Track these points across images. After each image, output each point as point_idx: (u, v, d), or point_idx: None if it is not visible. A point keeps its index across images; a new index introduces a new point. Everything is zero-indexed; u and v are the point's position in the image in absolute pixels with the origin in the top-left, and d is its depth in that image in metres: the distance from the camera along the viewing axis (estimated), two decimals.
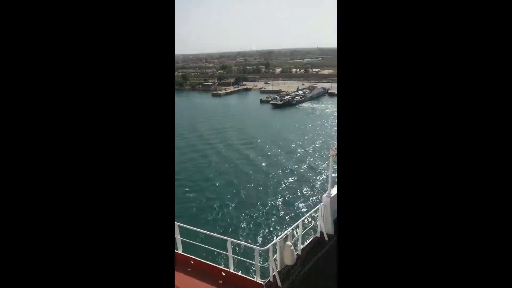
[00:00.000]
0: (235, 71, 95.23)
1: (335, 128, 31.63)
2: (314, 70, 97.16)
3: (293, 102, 52.66)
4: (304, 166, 25.12)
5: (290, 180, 22.65)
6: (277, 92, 61.66)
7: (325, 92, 62.27)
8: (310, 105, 51.76)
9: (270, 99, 54.09)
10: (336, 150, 5.44)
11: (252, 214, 17.77)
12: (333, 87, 64.96)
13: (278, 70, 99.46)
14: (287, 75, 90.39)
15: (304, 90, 60.84)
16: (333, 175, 5.73)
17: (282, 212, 18.03)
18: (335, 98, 57.39)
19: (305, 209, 17.75)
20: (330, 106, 49.09)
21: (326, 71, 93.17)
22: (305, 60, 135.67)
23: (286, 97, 54.21)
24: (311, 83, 68.77)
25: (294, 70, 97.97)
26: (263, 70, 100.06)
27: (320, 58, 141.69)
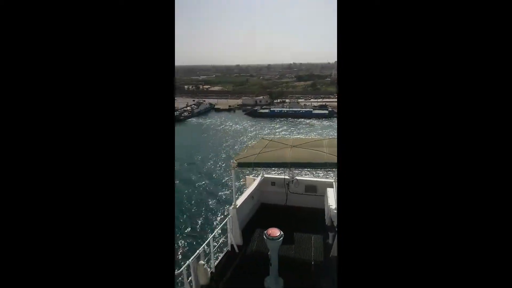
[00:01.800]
0: None
1: (229, 142, 39.19)
2: (205, 87, 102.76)
3: (181, 117, 56.85)
4: (206, 179, 25.79)
5: (195, 192, 22.99)
6: None
7: (212, 107, 68.58)
8: (198, 120, 56.68)
9: None
10: (237, 161, 5.91)
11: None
12: (219, 102, 72.79)
13: None
14: (179, 91, 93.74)
15: (192, 105, 65.92)
16: (236, 184, 6.11)
17: (191, 229, 17.80)
18: (221, 113, 64.27)
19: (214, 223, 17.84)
20: (217, 121, 54.22)
21: (216, 88, 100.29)
22: (201, 77, 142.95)
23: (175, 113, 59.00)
24: (199, 99, 74.17)
25: (186, 86, 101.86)
26: None
27: (214, 76, 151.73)
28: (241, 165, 6.03)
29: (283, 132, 44.93)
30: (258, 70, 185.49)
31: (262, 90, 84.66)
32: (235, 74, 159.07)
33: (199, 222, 18.85)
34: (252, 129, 49.11)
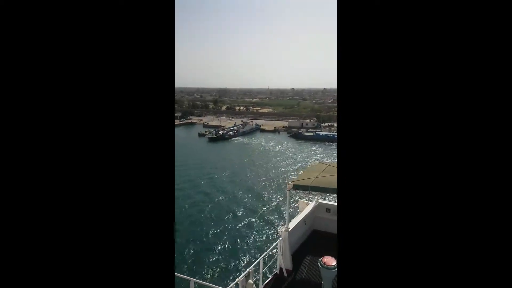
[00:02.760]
0: (186, 106, 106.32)
1: (262, 161, 40.62)
2: (255, 108, 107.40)
3: (226, 136, 59.65)
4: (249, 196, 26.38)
5: (241, 210, 23.35)
6: (217, 127, 69.49)
7: (258, 128, 71.38)
8: (243, 140, 58.79)
9: (207, 133, 61.59)
10: (293, 184, 5.87)
11: (209, 250, 17.60)
12: (266, 123, 75.43)
13: (224, 107, 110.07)
14: (231, 112, 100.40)
15: (238, 125, 68.71)
16: (290, 210, 6.87)
17: (240, 248, 17.90)
18: (266, 134, 66.23)
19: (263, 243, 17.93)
20: (261, 141, 56.08)
21: (266, 110, 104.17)
22: (254, 99, 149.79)
23: (220, 132, 61.63)
24: (246, 120, 76.83)
25: (237, 108, 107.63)
26: (210, 106, 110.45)
27: (267, 98, 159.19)
28: (297, 187, 5.94)
29: (322, 156, 43.58)
30: (313, 93, 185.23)
31: (311, 113, 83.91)
32: (288, 97, 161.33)
33: (248, 240, 19.06)
34: (291, 150, 48.98)
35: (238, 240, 18.94)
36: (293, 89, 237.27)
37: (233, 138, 60.01)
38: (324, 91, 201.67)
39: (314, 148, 50.36)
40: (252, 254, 17.23)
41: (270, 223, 21.33)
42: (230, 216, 22.53)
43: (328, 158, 40.93)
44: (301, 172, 7.19)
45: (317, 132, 59.93)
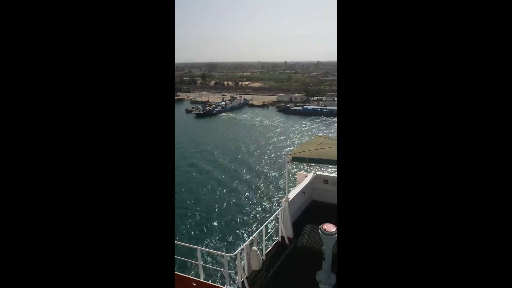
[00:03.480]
0: None
1: (256, 136, 40.76)
2: (245, 83, 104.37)
3: (214, 112, 58.67)
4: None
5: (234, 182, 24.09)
6: (205, 102, 67.93)
7: (246, 103, 69.81)
8: (230, 115, 57.89)
9: (194, 109, 60.37)
10: (292, 156, 6.15)
11: (209, 220, 18.17)
12: (254, 98, 73.71)
13: (212, 82, 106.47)
14: (219, 87, 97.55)
15: (226, 101, 67.36)
16: (283, 181, 8.27)
17: (240, 218, 18.43)
18: (255, 109, 65.12)
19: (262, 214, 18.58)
20: (248, 116, 55.54)
21: (256, 84, 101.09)
22: (245, 73, 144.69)
23: (207, 107, 60.59)
24: (233, 95, 75.34)
25: (226, 82, 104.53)
26: (199, 81, 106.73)
27: (258, 72, 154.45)
28: (295, 159, 6.15)
29: (308, 130, 43.38)
30: (306, 67, 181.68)
31: (302, 87, 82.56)
32: (279, 71, 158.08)
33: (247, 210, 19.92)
34: (276, 124, 48.78)
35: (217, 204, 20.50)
36: (285, 62, 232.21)
37: (221, 114, 59.22)
38: (318, 64, 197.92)
39: (303, 122, 50.11)
40: (234, 214, 19.03)
41: (249, 187, 23.05)
42: (212, 183, 24.34)
43: (317, 132, 40.64)
44: (297, 146, 7.51)
45: (304, 106, 59.36)
